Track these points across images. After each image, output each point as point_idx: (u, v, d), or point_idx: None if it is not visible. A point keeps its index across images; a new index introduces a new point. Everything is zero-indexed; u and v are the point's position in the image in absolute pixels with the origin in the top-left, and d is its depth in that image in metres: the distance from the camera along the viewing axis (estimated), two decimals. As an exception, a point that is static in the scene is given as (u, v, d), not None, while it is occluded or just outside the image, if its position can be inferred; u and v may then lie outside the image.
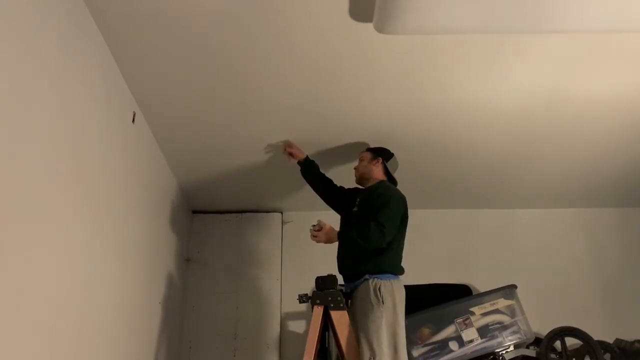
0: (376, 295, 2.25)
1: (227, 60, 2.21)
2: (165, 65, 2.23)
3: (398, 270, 2.41)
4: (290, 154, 2.86)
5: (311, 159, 2.87)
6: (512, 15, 1.81)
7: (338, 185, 2.87)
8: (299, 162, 2.87)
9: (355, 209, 2.57)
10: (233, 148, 2.96)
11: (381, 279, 2.30)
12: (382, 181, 2.62)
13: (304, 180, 2.92)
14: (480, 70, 2.32)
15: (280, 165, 3.08)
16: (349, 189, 2.82)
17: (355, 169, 2.77)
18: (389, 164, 2.70)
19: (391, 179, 2.68)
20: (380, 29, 1.93)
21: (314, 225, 2.48)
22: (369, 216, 2.39)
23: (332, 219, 2.67)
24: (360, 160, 2.75)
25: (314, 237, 2.46)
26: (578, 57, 2.24)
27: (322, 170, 2.91)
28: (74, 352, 1.81)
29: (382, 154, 2.71)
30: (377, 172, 2.66)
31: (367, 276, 2.32)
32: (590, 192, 3.62)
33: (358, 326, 2.24)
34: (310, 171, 2.86)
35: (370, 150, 2.76)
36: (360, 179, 2.72)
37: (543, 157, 3.14)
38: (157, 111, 2.56)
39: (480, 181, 3.43)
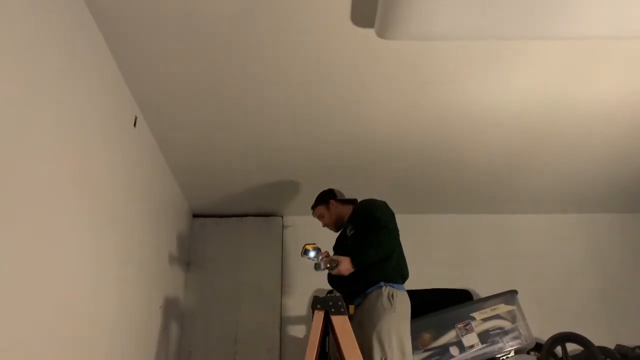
0: (389, 301, 2.26)
1: (230, 64, 2.21)
2: (167, 69, 2.23)
3: (405, 279, 2.42)
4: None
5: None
6: (514, 21, 1.81)
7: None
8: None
9: (349, 233, 2.52)
10: (234, 152, 2.96)
11: (394, 288, 2.31)
12: (354, 208, 2.61)
13: (304, 185, 2.91)
14: (482, 75, 2.32)
15: (281, 169, 3.08)
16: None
17: (325, 226, 2.75)
18: (339, 196, 2.72)
19: (354, 202, 2.68)
20: (381, 34, 1.93)
21: (328, 267, 2.31)
22: (370, 227, 2.38)
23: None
24: (321, 217, 2.74)
25: (336, 271, 2.32)
26: (580, 63, 2.25)
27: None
28: (73, 355, 1.81)
29: (329, 196, 2.73)
30: (343, 210, 2.67)
31: (382, 283, 2.31)
32: (591, 197, 3.62)
33: (369, 329, 2.23)
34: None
35: (317, 204, 2.76)
36: (336, 226, 2.70)
37: (544, 162, 3.14)
38: (158, 115, 2.57)
39: (481, 186, 3.43)
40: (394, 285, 2.32)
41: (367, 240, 2.35)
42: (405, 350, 2.20)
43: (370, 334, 2.21)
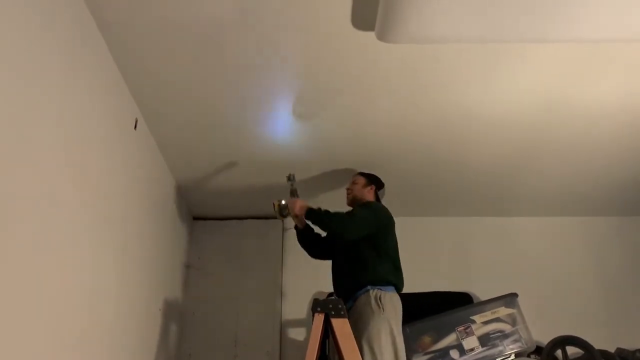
0: (377, 303, 2.27)
1: (230, 66, 2.22)
2: (168, 72, 2.23)
3: (397, 287, 2.43)
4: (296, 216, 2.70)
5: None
6: (514, 24, 1.81)
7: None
8: (296, 227, 2.82)
9: None
10: (235, 155, 2.96)
11: (382, 290, 2.33)
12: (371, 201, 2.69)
13: (304, 187, 2.91)
14: (482, 77, 2.33)
15: (281, 172, 3.07)
16: None
17: (348, 190, 2.79)
18: (380, 193, 2.76)
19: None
20: (382, 37, 1.94)
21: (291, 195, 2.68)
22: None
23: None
24: (354, 183, 2.78)
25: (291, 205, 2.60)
26: (580, 66, 2.25)
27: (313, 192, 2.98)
28: (72, 357, 1.80)
29: (376, 183, 2.77)
30: (368, 196, 2.71)
31: (369, 287, 2.34)
32: (591, 200, 3.61)
33: (359, 332, 2.24)
34: (309, 237, 2.81)
35: (364, 175, 2.81)
36: (352, 201, 2.75)
37: (544, 165, 3.14)
38: (159, 117, 2.57)
39: (481, 188, 3.42)
40: (382, 287, 2.33)
41: (336, 213, 2.48)
42: (398, 353, 2.20)
43: (360, 338, 2.22)
